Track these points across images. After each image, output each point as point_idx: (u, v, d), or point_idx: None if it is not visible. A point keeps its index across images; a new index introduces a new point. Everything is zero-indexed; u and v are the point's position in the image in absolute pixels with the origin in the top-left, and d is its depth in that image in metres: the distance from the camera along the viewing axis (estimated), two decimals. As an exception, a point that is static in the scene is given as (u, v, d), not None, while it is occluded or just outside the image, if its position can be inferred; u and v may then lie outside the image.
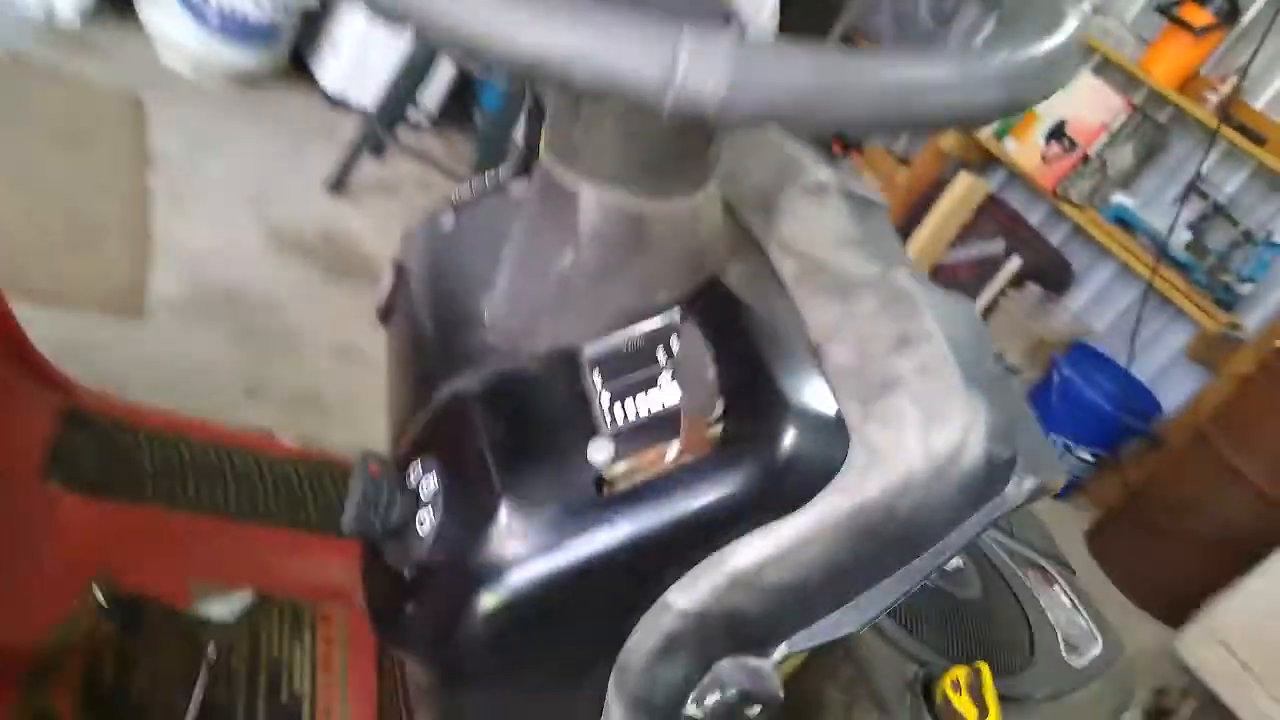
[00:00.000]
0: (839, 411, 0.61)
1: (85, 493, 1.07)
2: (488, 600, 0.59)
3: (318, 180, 2.70)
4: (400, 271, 0.85)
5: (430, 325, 0.77)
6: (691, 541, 0.59)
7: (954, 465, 0.59)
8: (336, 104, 3.11)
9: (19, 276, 1.78)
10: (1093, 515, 3.22)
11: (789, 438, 0.58)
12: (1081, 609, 1.14)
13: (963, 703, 0.82)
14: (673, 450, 0.60)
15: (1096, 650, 1.09)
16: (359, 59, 3.03)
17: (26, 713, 0.85)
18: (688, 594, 0.59)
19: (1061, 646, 1.05)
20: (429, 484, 0.64)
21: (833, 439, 0.59)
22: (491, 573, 0.59)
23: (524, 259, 0.70)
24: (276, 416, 1.88)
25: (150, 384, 1.76)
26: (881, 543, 0.60)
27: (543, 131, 0.67)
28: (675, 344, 0.66)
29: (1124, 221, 3.36)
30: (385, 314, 0.86)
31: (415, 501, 0.64)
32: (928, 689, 0.83)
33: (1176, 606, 2.69)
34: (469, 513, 0.61)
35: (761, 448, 0.58)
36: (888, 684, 0.84)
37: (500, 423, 0.64)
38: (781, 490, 0.58)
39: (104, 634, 0.94)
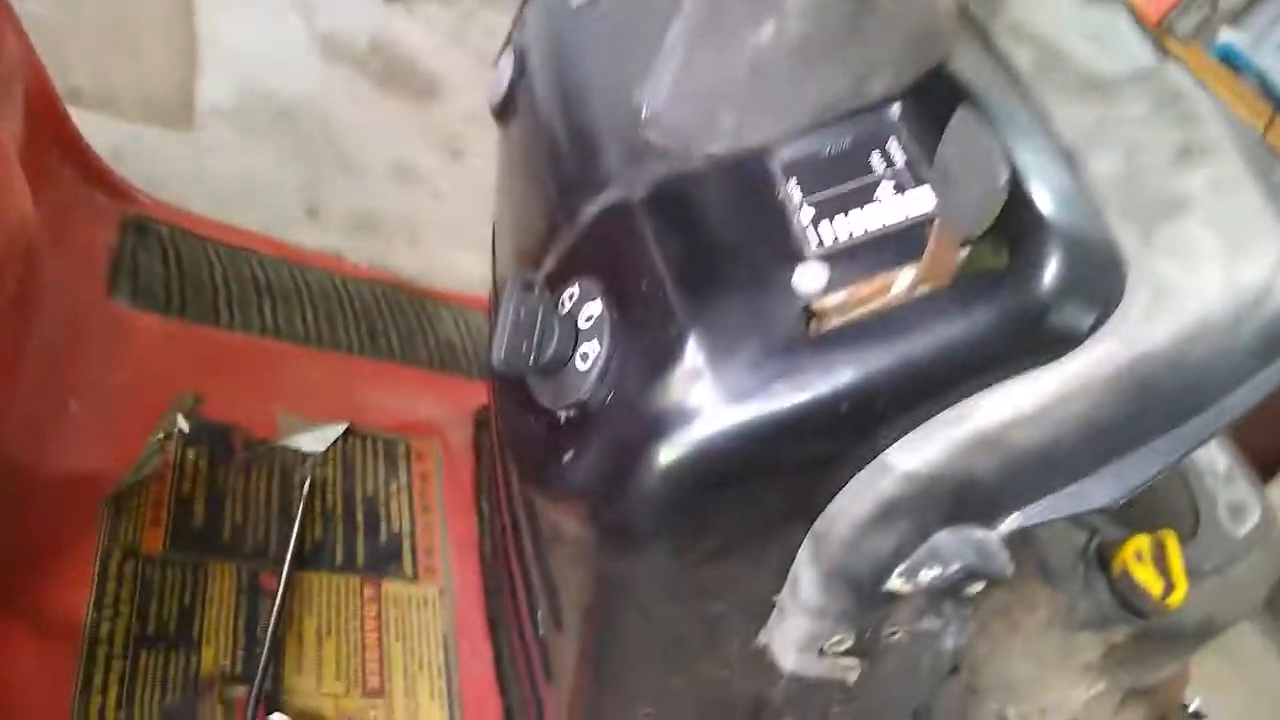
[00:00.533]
0: (1112, 236, 0.48)
1: (155, 309, 0.98)
2: (669, 452, 0.49)
3: (369, -16, 2.49)
4: (521, 58, 0.72)
5: (567, 123, 0.64)
6: (924, 393, 0.48)
7: (1259, 307, 0.47)
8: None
9: (61, 78, 1.65)
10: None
11: (1055, 266, 0.46)
12: (1239, 471, 1.04)
13: (1146, 574, 0.74)
14: (904, 279, 0.48)
15: (1256, 517, 1.00)
16: None
17: (114, 548, 0.78)
18: (916, 454, 0.48)
19: (1222, 514, 0.96)
20: (590, 311, 0.53)
21: (1107, 271, 0.48)
22: (675, 420, 0.49)
23: (702, 34, 0.56)
24: (338, 239, 1.78)
25: (205, 198, 1.65)
26: (1158, 399, 0.49)
27: None
28: (895, 148, 0.53)
29: (1230, 61, 3.08)
30: (503, 111, 0.73)
31: (574, 331, 0.53)
32: (1103, 559, 0.75)
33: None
34: (646, 346, 0.51)
35: (1021, 278, 0.46)
36: (1056, 553, 0.76)
37: (677, 238, 0.53)
38: (1047, 333, 0.47)
39: (190, 464, 0.87)
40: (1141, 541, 0.75)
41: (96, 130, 1.27)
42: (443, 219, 2.01)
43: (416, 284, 1.30)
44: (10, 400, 0.75)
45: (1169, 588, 0.73)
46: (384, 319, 1.18)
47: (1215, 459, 1.06)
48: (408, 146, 2.13)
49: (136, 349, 0.90)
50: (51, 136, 1.03)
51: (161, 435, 0.86)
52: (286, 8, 2.24)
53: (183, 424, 0.88)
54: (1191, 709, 1.14)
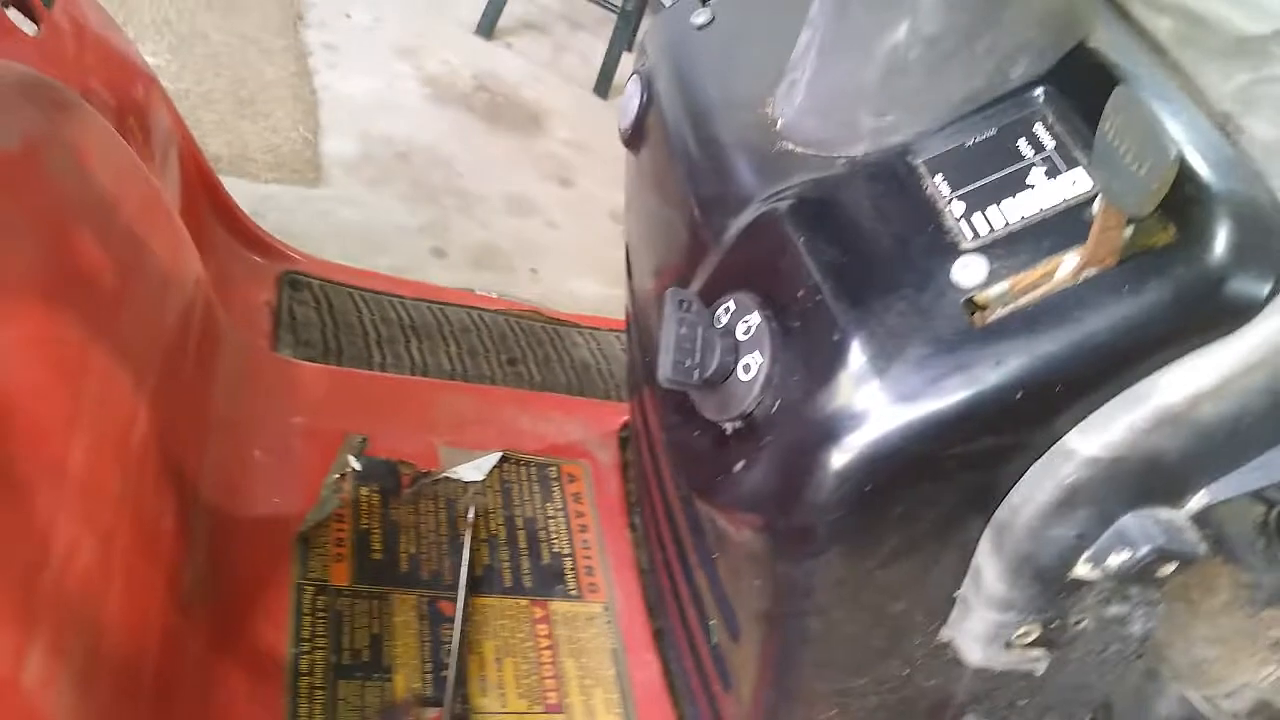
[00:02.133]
0: (1277, 200, 0.47)
1: (316, 358, 1.04)
2: (841, 457, 0.49)
3: (466, 25, 2.58)
4: (647, 84, 0.74)
5: (702, 141, 0.66)
6: (1102, 375, 0.47)
7: None
8: (475, -61, 2.94)
9: (200, 146, 1.77)
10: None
11: (1224, 236, 0.45)
12: None
13: (1333, 545, 0.70)
14: (1069, 263, 0.48)
15: None
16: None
17: (306, 584, 0.83)
18: (1097, 437, 0.48)
19: None
20: (749, 323, 0.54)
21: (1278, 235, 0.46)
22: (845, 424, 0.49)
23: (833, 41, 0.57)
24: (465, 275, 1.84)
25: (340, 248, 1.74)
26: (1346, 363, 0.47)
27: None
28: (1043, 132, 0.53)
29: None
30: (633, 137, 0.76)
31: (734, 344, 0.55)
32: (1291, 533, 0.71)
33: None
34: (808, 354, 0.51)
35: (1193, 252, 0.45)
36: (1233, 527, 0.72)
37: (828, 244, 0.53)
38: (1222, 304, 0.46)
39: (365, 500, 0.92)
40: (1317, 513, 0.72)
41: (236, 193, 1.35)
42: (559, 246, 2.06)
43: (547, 310, 1.34)
44: (204, 452, 0.81)
45: (1347, 559, 0.70)
46: (521, 347, 1.22)
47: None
48: (519, 179, 2.19)
49: (304, 396, 0.96)
50: (208, 202, 1.11)
51: (337, 475, 0.91)
52: (393, 57, 2.34)
53: (354, 463, 0.93)
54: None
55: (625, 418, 1.14)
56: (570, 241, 2.09)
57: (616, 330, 1.32)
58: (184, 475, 0.77)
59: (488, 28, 2.58)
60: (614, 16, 2.54)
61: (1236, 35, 0.56)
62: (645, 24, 2.43)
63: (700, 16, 0.72)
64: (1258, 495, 0.77)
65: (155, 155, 0.97)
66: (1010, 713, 0.68)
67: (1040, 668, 0.60)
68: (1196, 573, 0.71)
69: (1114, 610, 0.59)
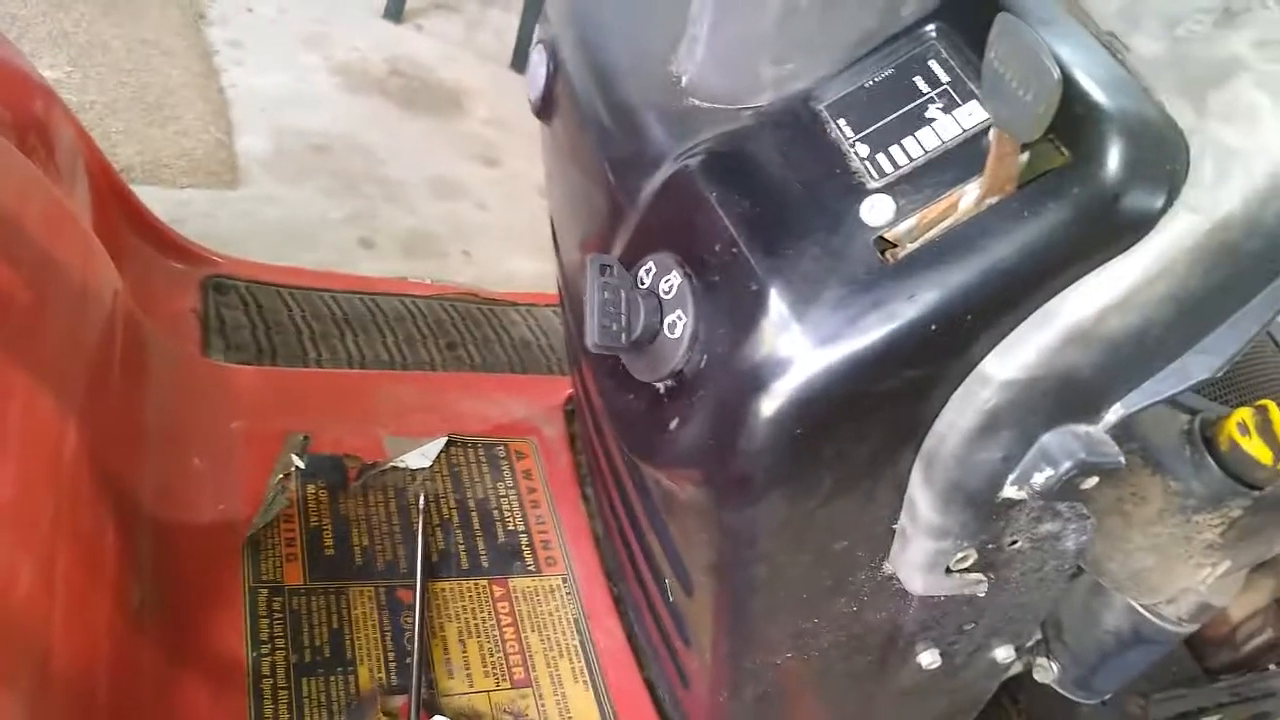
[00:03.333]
0: (1167, 113, 0.49)
1: (249, 360, 1.02)
2: (770, 404, 0.50)
3: (374, 9, 2.53)
4: (552, 54, 0.73)
5: (611, 106, 0.66)
6: (1012, 300, 0.48)
7: None
8: (374, -80, 2.88)
9: (108, 157, 1.72)
10: None
11: (1119, 153, 0.46)
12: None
13: (1254, 445, 0.73)
14: (971, 193, 0.49)
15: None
16: None
17: (260, 586, 0.83)
18: (1012, 360, 0.49)
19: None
20: (670, 282, 0.55)
21: (1169, 147, 0.48)
22: (771, 371, 0.50)
23: (722, -2, 0.57)
24: (396, 264, 1.82)
25: (265, 247, 1.71)
26: (1242, 263, 0.49)
27: None
28: (937, 67, 0.53)
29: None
30: (543, 107, 0.75)
31: (658, 304, 0.55)
32: (1208, 438, 0.74)
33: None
34: (730, 306, 0.52)
35: (1088, 171, 0.47)
36: (1159, 438, 0.75)
37: (741, 196, 0.54)
38: (1120, 220, 0.47)
39: (312, 497, 0.91)
40: (1244, 413, 0.74)
41: (152, 201, 1.32)
42: (490, 227, 2.04)
43: (483, 291, 1.33)
44: (142, 465, 0.80)
45: (1279, 454, 0.72)
46: (459, 330, 1.21)
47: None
48: (443, 161, 2.16)
49: (241, 400, 0.95)
50: (121, 213, 1.09)
51: (281, 475, 0.91)
52: (301, 48, 2.29)
53: (298, 461, 0.92)
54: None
55: (569, 391, 1.14)
56: (501, 221, 2.08)
57: (554, 306, 1.33)
58: (122, 490, 0.76)
59: (396, 11, 2.53)
60: (525, -10, 2.51)
61: (1116, -45, 0.57)
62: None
63: (599, -21, 0.72)
64: (1177, 404, 0.80)
65: (61, 170, 0.95)
66: (959, 638, 0.70)
67: (981, 590, 0.61)
68: (1129, 485, 0.74)
69: (1046, 528, 0.61)
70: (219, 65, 2.11)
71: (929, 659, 0.70)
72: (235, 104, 2.02)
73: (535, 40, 0.77)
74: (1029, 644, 0.94)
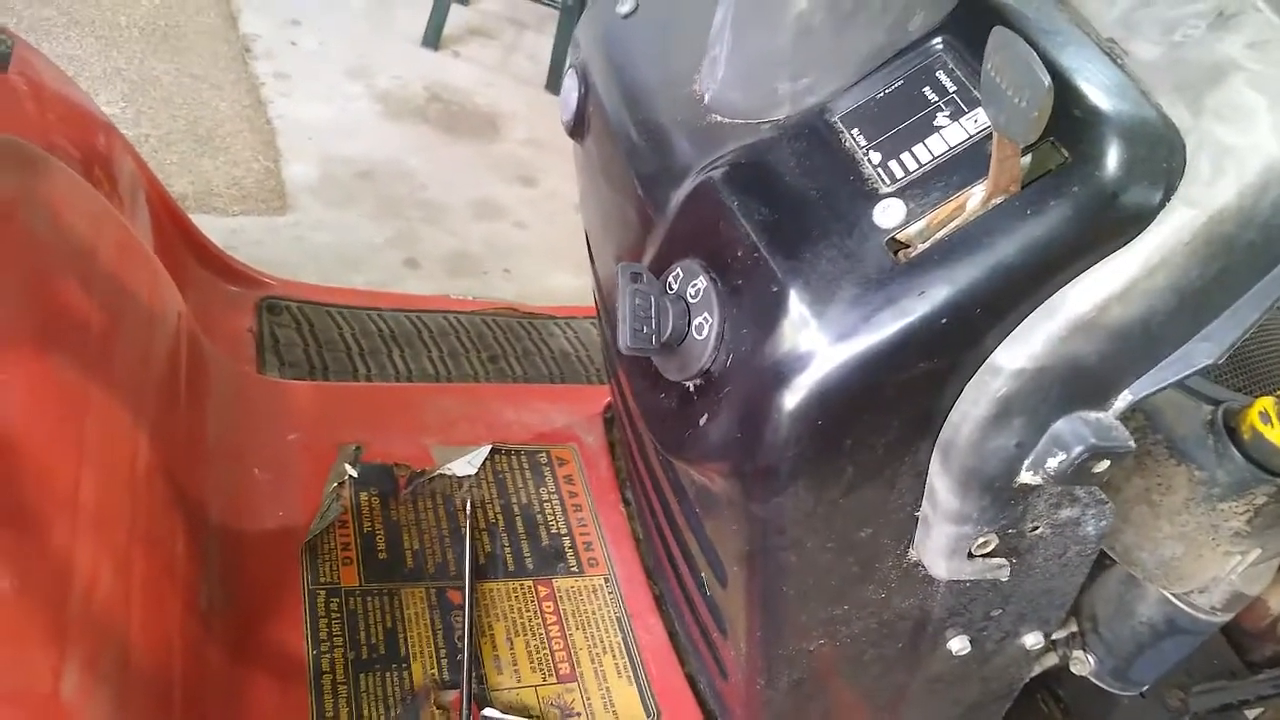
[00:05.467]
0: (1164, 114, 0.51)
1: (303, 376, 1.08)
2: (792, 398, 0.54)
3: (412, 38, 2.61)
4: (584, 76, 0.78)
5: (639, 124, 0.70)
6: (1018, 293, 0.51)
7: None
8: (411, -48, 2.97)
9: (166, 187, 1.80)
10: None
11: (1116, 153, 0.49)
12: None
13: (1276, 433, 0.74)
14: (977, 194, 0.52)
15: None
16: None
17: (318, 589, 0.88)
18: (1020, 351, 0.52)
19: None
20: (697, 287, 0.59)
21: (1166, 146, 0.51)
22: (792, 368, 0.53)
23: (745, 16, 0.61)
24: (439, 283, 1.88)
25: (315, 270, 1.77)
26: (1239, 254, 0.51)
27: None
28: (944, 77, 0.57)
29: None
30: (576, 127, 0.80)
31: (686, 308, 0.59)
32: (1230, 427, 0.75)
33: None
34: (753, 307, 0.56)
35: (1087, 171, 0.50)
36: (1183, 429, 0.76)
37: (761, 204, 0.58)
38: (1119, 215, 0.50)
39: (365, 504, 0.96)
40: (1265, 402, 0.76)
41: (206, 228, 1.39)
42: (529, 245, 2.10)
43: (522, 306, 1.38)
44: (207, 475, 0.85)
45: (1292, 444, 0.74)
46: (500, 344, 1.26)
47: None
48: (483, 183, 2.23)
49: (296, 414, 1.00)
50: (180, 240, 1.15)
51: (336, 484, 0.95)
52: (344, 78, 2.37)
53: (351, 471, 0.97)
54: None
55: (608, 399, 1.18)
56: (540, 239, 2.13)
57: (592, 318, 1.37)
58: (190, 498, 0.81)
59: (434, 38, 2.61)
60: (557, 12, 2.57)
61: (1117, -37, 0.60)
62: (588, 17, 2.45)
63: (624, 6, 0.76)
64: (1199, 394, 0.81)
65: (124, 200, 1.01)
66: (988, 624, 0.72)
67: (1004, 574, 0.64)
68: (1155, 475, 0.75)
69: (1066, 513, 0.63)
70: (266, 97, 2.19)
71: (959, 645, 0.72)
72: (282, 134, 2.10)
73: (567, 65, 0.81)
74: (1061, 634, 0.95)
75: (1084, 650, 0.96)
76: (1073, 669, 0.95)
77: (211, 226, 1.76)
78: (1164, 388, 0.55)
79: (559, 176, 2.31)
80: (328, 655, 0.84)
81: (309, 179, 2.02)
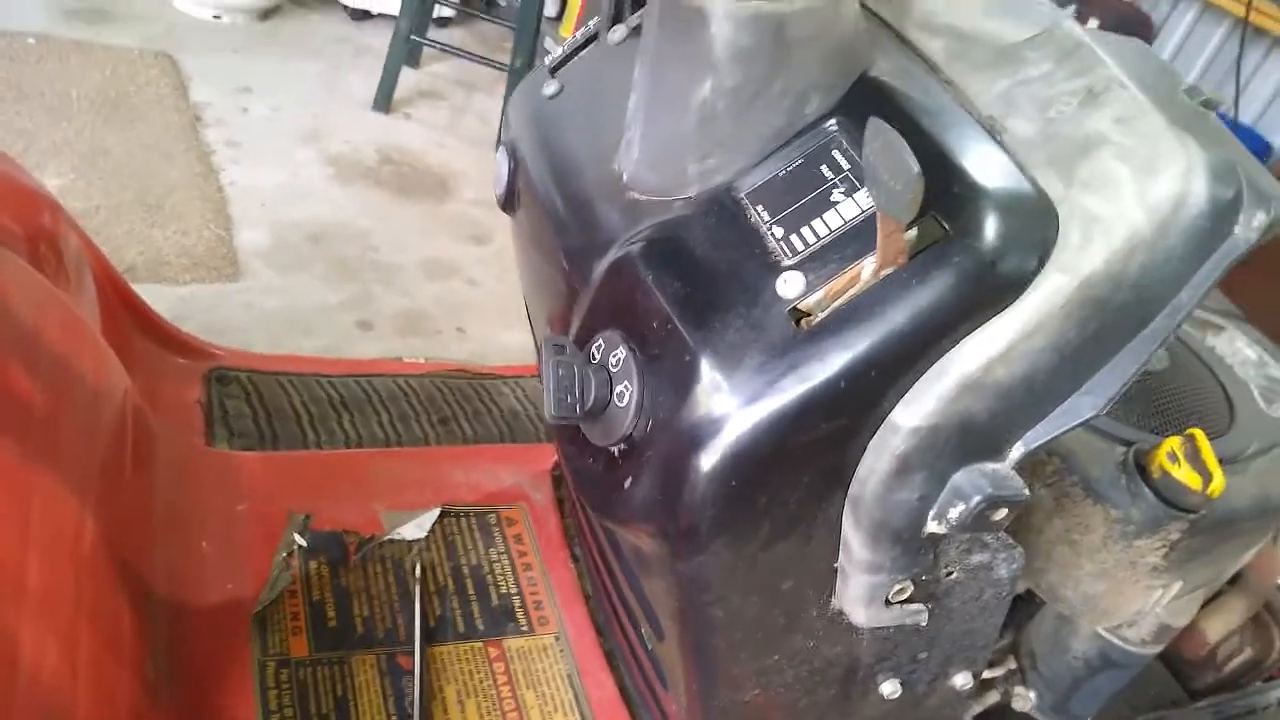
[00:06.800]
0: (1039, 186, 0.56)
1: (252, 446, 1.09)
2: (707, 459, 0.57)
3: (363, 102, 2.65)
4: (513, 152, 0.81)
5: (564, 201, 0.73)
6: (909, 357, 0.55)
7: (1179, 216, 0.54)
8: (359, 16, 3.04)
9: (113, 259, 1.81)
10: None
11: (993, 225, 0.54)
12: (1269, 355, 1.08)
13: (1184, 472, 0.78)
14: (869, 266, 0.56)
15: (1294, 394, 1.03)
16: (372, -33, 2.94)
17: (268, 659, 0.89)
18: (915, 410, 0.56)
19: (1258, 399, 1.00)
20: (617, 356, 0.62)
21: (1040, 217, 0.55)
22: (706, 431, 0.57)
23: (654, 101, 0.65)
24: (393, 344, 1.90)
25: (266, 337, 1.79)
26: (1111, 314, 0.55)
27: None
28: (839, 156, 0.61)
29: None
30: (507, 201, 0.83)
31: (608, 377, 0.62)
32: (1141, 467, 0.79)
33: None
34: (668, 376, 0.59)
35: (966, 243, 0.54)
36: (1097, 470, 0.80)
37: (674, 278, 0.61)
38: (997, 283, 0.54)
39: (315, 573, 0.97)
40: (1173, 442, 0.80)
41: (157, 298, 1.40)
42: (482, 303, 2.13)
43: (472, 366, 1.40)
44: (153, 550, 0.86)
45: (1207, 479, 0.77)
46: (450, 405, 1.28)
47: (1244, 351, 1.10)
48: (435, 243, 2.26)
49: (244, 484, 1.01)
50: (126, 314, 1.16)
51: (285, 554, 0.97)
52: (296, 144, 2.40)
53: (300, 540, 0.98)
54: (1293, 591, 1.16)
55: (556, 457, 1.21)
56: (492, 296, 2.16)
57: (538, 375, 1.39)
58: (136, 574, 0.82)
59: (384, 102, 2.65)
60: (505, 75, 2.63)
61: (999, 45, 0.65)
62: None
63: (550, 87, 0.80)
64: (1112, 437, 0.85)
65: (70, 277, 1.02)
66: (915, 667, 0.75)
67: (923, 619, 0.67)
68: (1073, 515, 0.79)
69: (977, 559, 0.67)
70: (217, 164, 2.22)
71: (890, 689, 0.75)
72: (234, 200, 2.12)
73: (498, 142, 0.85)
74: (1001, 672, 0.99)
75: (1024, 686, 0.99)
76: (1015, 706, 0.98)
77: (162, 296, 1.78)
78: (1053, 439, 0.59)
79: (510, 235, 2.35)
80: (278, 726, 0.85)
81: (261, 245, 2.04)
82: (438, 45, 2.73)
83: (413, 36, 2.60)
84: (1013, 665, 0.99)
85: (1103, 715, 1.05)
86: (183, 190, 2.09)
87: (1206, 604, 1.12)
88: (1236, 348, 1.09)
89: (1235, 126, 3.00)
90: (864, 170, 0.52)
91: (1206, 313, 1.17)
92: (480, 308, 2.11)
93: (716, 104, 0.61)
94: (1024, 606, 0.95)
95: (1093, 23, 3.17)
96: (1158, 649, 0.96)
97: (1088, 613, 0.85)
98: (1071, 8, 3.25)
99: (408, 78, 2.77)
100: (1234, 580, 1.11)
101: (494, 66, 2.71)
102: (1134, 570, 0.81)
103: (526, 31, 2.61)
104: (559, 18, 3.32)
